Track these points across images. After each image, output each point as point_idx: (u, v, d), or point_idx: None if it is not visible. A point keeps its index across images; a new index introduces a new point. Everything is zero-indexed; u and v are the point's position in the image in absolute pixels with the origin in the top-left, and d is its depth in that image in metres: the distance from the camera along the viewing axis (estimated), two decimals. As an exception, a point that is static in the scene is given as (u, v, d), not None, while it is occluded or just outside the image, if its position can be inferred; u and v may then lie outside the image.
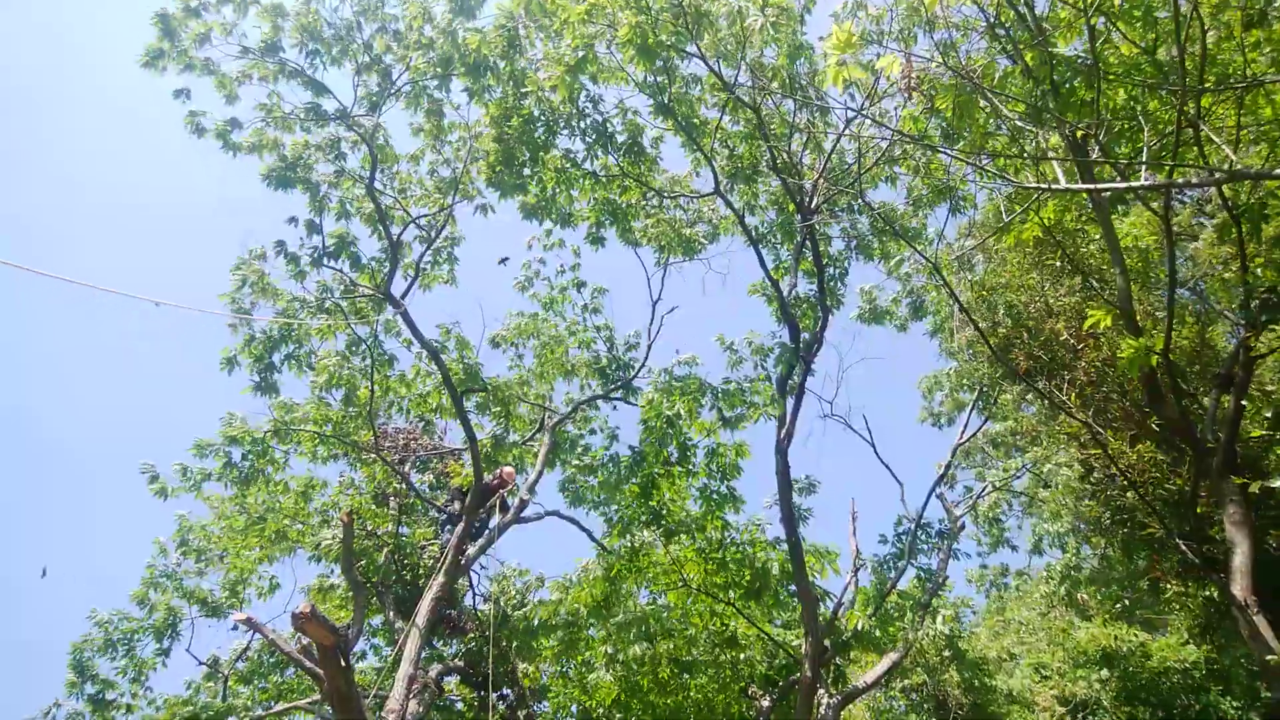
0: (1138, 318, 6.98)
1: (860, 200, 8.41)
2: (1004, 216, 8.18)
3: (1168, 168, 5.79)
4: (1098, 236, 9.00)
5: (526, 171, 8.57)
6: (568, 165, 8.72)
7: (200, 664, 9.75)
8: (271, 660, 10.31)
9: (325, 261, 8.57)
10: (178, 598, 9.68)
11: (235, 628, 9.43)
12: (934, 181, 8.92)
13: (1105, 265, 9.07)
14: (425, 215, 8.53)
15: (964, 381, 11.87)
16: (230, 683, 9.77)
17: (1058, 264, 9.33)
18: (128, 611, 9.69)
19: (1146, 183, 5.72)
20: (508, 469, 9.06)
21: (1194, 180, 5.83)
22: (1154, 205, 7.10)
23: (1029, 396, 13.90)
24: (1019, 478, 14.22)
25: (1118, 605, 14.51)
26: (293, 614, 5.02)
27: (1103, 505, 10.03)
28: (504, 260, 9.80)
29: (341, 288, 8.86)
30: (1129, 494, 9.24)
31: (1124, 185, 5.86)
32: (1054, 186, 5.70)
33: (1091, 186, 6.03)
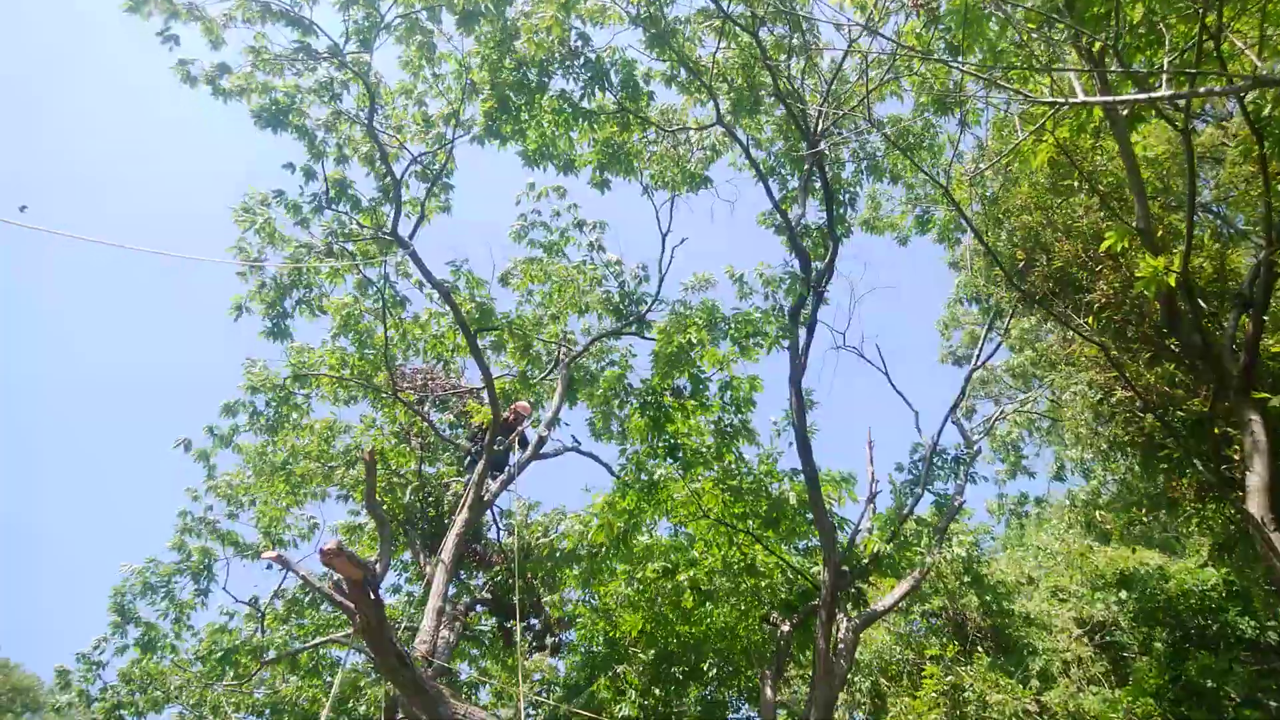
0: (1156, 238, 6.88)
1: (867, 118, 8.23)
2: (1017, 136, 8.02)
3: (1188, 78, 5.63)
4: (1115, 155, 8.80)
5: (524, 117, 8.48)
6: (565, 107, 8.62)
7: (238, 602, 10.15)
8: (307, 598, 10.69)
9: (326, 207, 8.57)
10: (212, 540, 10.02)
11: (269, 566, 9.78)
12: (941, 95, 8.71)
13: (1123, 184, 8.89)
14: (425, 153, 8.45)
15: (975, 297, 11.75)
16: (268, 620, 10.16)
17: (1074, 184, 9.15)
18: (161, 559, 10.04)
19: (1166, 94, 5.56)
20: (522, 403, 9.17)
21: (1215, 90, 5.66)
22: (1174, 119, 6.91)
23: (1046, 324, 13.79)
24: (1038, 403, 14.19)
25: (1136, 528, 14.60)
26: (321, 550, 5.09)
27: (1121, 428, 10.02)
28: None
29: (345, 231, 8.85)
30: (1147, 417, 9.22)
31: (1143, 97, 5.71)
32: (1070, 100, 5.58)
33: (1109, 100, 5.89)
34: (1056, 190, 9.51)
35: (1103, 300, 8.78)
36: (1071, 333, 10.82)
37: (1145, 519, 14.27)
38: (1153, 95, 5.46)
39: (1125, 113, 6.79)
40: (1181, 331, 6.94)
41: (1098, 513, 13.35)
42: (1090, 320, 8.72)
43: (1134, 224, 6.68)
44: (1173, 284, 5.96)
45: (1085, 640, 13.16)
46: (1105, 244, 6.83)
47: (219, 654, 9.94)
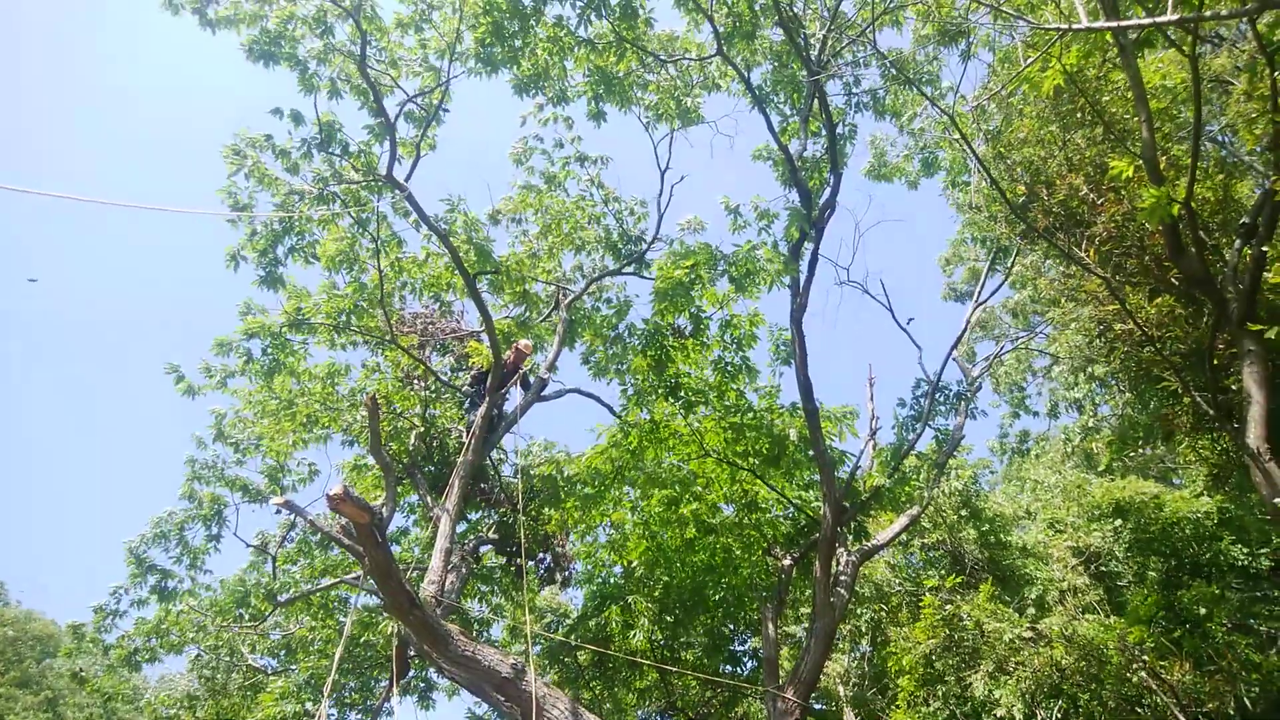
0: (1161, 168, 6.78)
1: (870, 46, 8.03)
2: (1022, 63, 7.84)
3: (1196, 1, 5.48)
4: (1121, 87, 8.63)
5: (518, 44, 8.28)
6: (560, 33, 8.41)
7: (249, 546, 10.32)
8: (316, 540, 10.87)
9: (317, 150, 8.41)
10: (220, 487, 10.13)
11: (277, 511, 9.89)
12: (945, 23, 8.51)
13: (1129, 114, 8.74)
14: (420, 94, 8.26)
15: (979, 236, 11.68)
16: (278, 562, 10.35)
17: (1079, 114, 9.01)
18: (173, 508, 10.16)
19: (1173, 18, 5.42)
20: (523, 342, 9.16)
21: (1224, 13, 5.51)
22: (1181, 45, 6.74)
23: (1047, 262, 13.72)
24: (1039, 337, 14.22)
25: (1132, 459, 14.77)
26: (327, 495, 5.14)
27: (1120, 361, 10.07)
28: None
29: (336, 175, 8.71)
30: (1146, 349, 9.25)
31: (1149, 21, 5.57)
32: (1076, 26, 5.44)
33: (1115, 24, 5.74)
34: (1061, 122, 9.36)
35: (1105, 233, 8.73)
36: (1072, 268, 10.78)
37: (1142, 450, 14.44)
38: (1159, 20, 5.32)
39: (1133, 37, 6.64)
40: (1183, 262, 6.90)
41: (1095, 444, 13.49)
42: (1092, 254, 8.68)
43: (1139, 154, 6.58)
44: (1176, 214, 5.91)
45: (1081, 570, 13.43)
46: (1112, 172, 6.75)
47: (234, 597, 10.15)
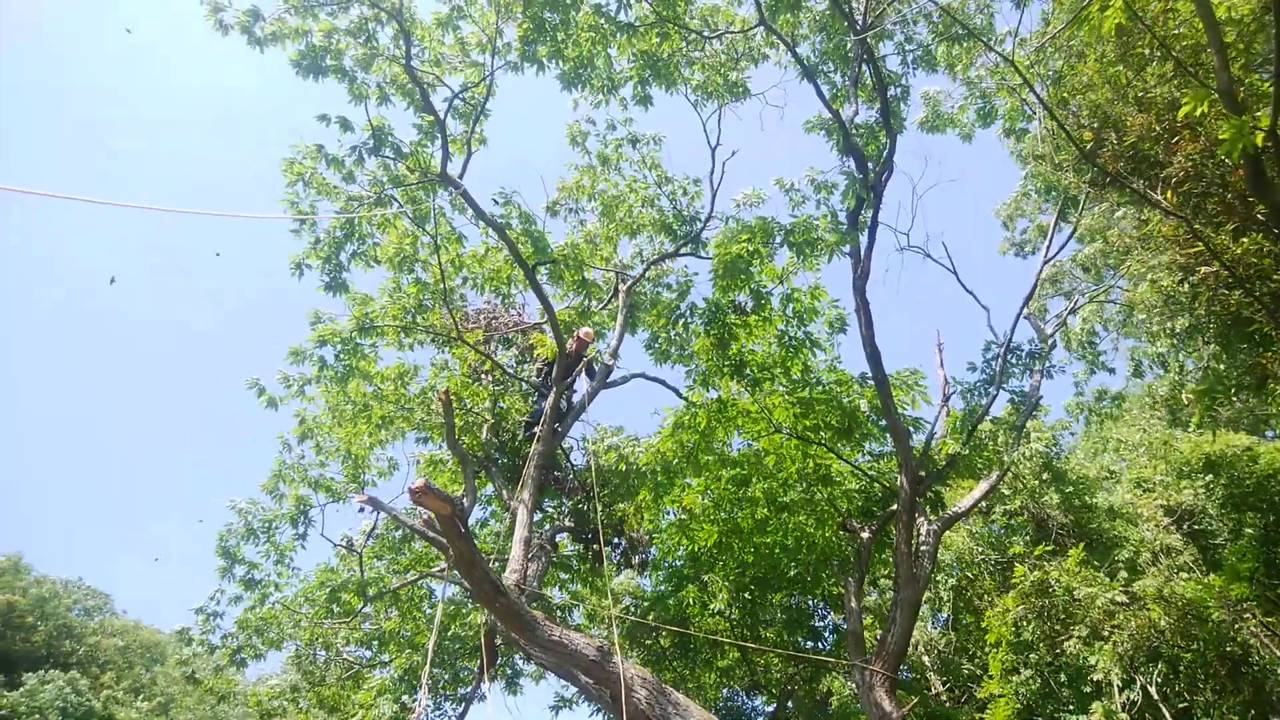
0: (1239, 100, 6.43)
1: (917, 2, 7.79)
2: (1080, 5, 7.52)
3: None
4: (1189, 17, 8.21)
5: (560, 37, 8.29)
6: (601, 21, 8.39)
7: (335, 545, 10.67)
8: (398, 535, 11.17)
9: (369, 155, 8.58)
10: (305, 487, 10.50)
11: (361, 509, 10.20)
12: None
13: (1199, 48, 8.31)
14: (465, 89, 8.35)
15: (1044, 187, 11.25)
16: (365, 558, 10.68)
17: (1145, 53, 8.59)
18: (260, 501, 10.60)
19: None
20: (584, 330, 9.22)
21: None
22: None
23: (1119, 212, 13.15)
24: (1114, 289, 13.67)
25: (1223, 411, 14.15)
26: (410, 489, 5.19)
27: (1204, 307, 9.62)
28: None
29: (393, 178, 8.87)
30: (1234, 293, 8.82)
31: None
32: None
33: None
34: (1126, 62, 8.95)
35: (1181, 173, 8.32)
36: (1146, 214, 10.32)
37: (1232, 401, 13.80)
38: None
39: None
40: (1268, 195, 6.54)
41: (1184, 395, 12.91)
42: (1169, 196, 8.29)
43: (1214, 87, 6.25)
44: (1259, 144, 5.60)
45: (1172, 529, 12.96)
46: (1184, 110, 6.44)
47: (325, 593, 10.53)
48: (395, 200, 8.91)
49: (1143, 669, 10.25)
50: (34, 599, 33.58)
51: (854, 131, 8.24)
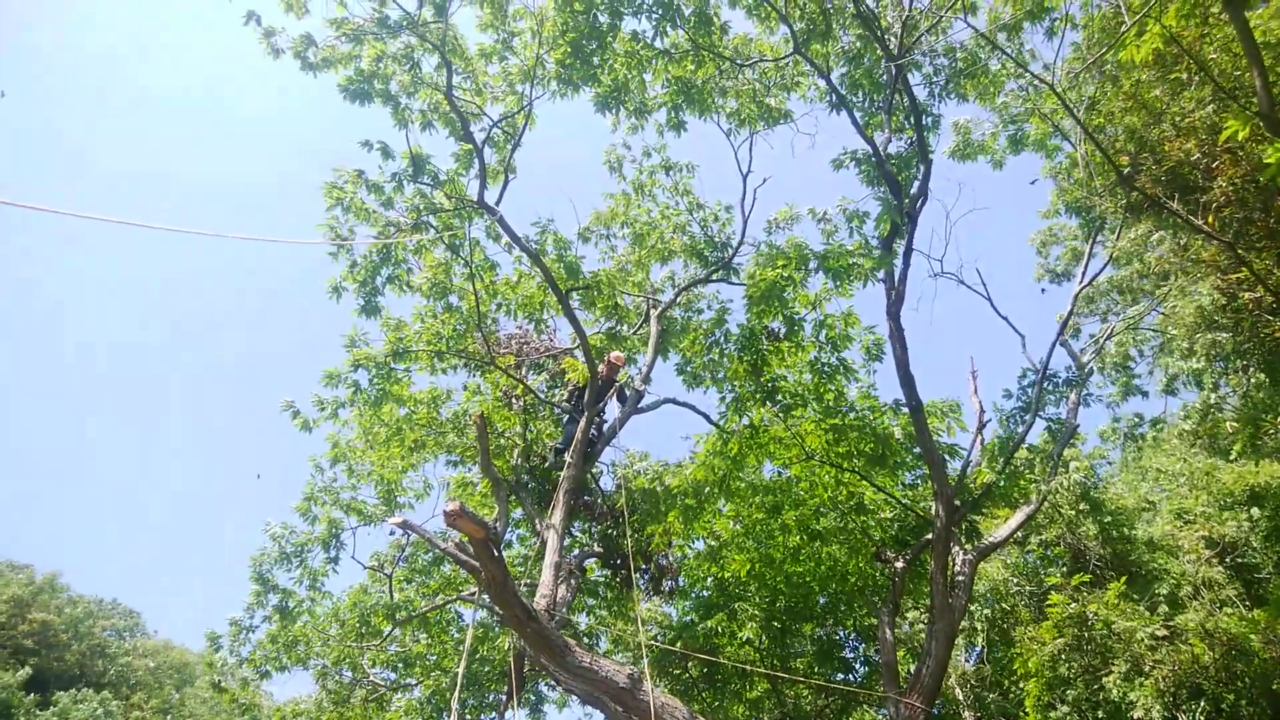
0: (1282, 122, 6.34)
1: (951, 27, 7.79)
2: (1120, 24, 7.49)
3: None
4: (1228, 41, 8.13)
5: (595, 61, 8.41)
6: (637, 47, 8.50)
7: (365, 568, 10.73)
8: (428, 558, 11.21)
9: (408, 182, 8.74)
10: (337, 510, 10.59)
11: (392, 532, 10.26)
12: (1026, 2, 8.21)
13: (1239, 71, 8.23)
14: (505, 118, 8.50)
15: (1077, 208, 11.13)
16: (394, 582, 10.73)
17: (1183, 77, 8.52)
18: (293, 525, 10.70)
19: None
20: (615, 354, 9.24)
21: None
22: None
23: (1156, 233, 12.96)
24: (1151, 314, 13.44)
25: (1266, 440, 13.80)
26: (445, 512, 5.21)
27: (1247, 333, 9.43)
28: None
29: (430, 204, 9.02)
30: (1279, 319, 8.64)
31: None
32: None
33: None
34: (1163, 86, 8.88)
35: (1223, 198, 8.21)
36: (1186, 239, 10.17)
37: (1275, 430, 13.47)
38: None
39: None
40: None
41: (1228, 425, 12.61)
42: (1210, 220, 8.17)
43: (1255, 111, 6.17)
44: (1305, 169, 5.51)
45: (1215, 562, 12.60)
46: (1225, 135, 6.36)
47: (356, 615, 10.58)
48: (431, 226, 9.06)
49: (1185, 707, 9.93)
50: (68, 619, 34.02)
51: (887, 159, 8.23)
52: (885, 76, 8.62)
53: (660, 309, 9.91)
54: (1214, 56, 8.62)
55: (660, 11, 8.04)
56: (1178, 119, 8.62)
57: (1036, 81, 8.36)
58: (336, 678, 11.36)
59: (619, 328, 10.16)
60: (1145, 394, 15.87)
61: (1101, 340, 12.78)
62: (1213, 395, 14.59)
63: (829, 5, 8.57)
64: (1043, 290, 18.07)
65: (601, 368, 9.00)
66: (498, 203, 8.10)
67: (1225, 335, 10.20)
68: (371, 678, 11.39)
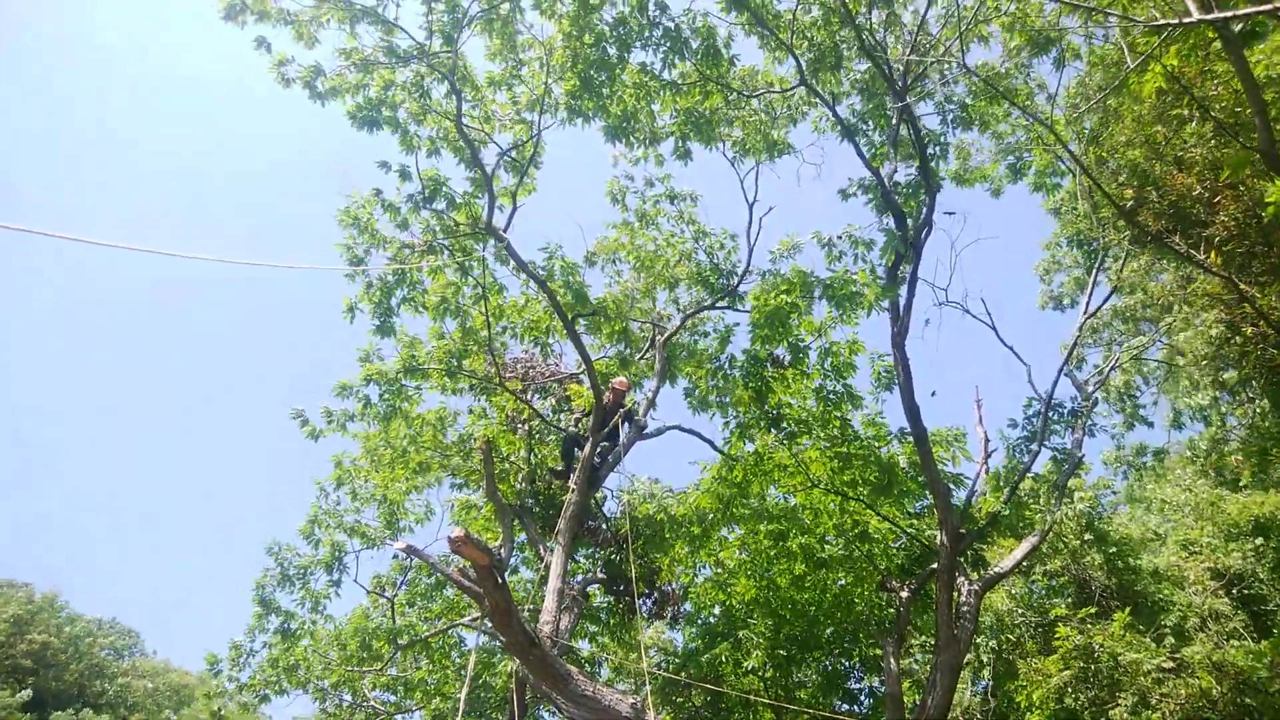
0: (1283, 160, 6.41)
1: (961, 62, 7.89)
2: (1120, 68, 7.60)
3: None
4: (1227, 78, 8.23)
5: (605, 92, 8.53)
6: (645, 79, 8.63)
7: (368, 592, 10.72)
8: (429, 582, 11.18)
9: (423, 206, 8.85)
10: (341, 533, 10.60)
11: (396, 556, 10.26)
12: (1037, 31, 8.33)
13: (1239, 108, 8.32)
14: (514, 146, 8.63)
15: (1079, 241, 11.18)
16: (396, 607, 10.70)
17: (1184, 113, 8.62)
18: (296, 546, 10.70)
19: (1289, 2, 5.16)
20: (619, 380, 9.29)
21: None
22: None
23: (1159, 263, 13.01)
24: (1154, 347, 13.46)
25: (1272, 472, 13.76)
26: (449, 538, 5.19)
27: (1251, 367, 9.46)
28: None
29: (443, 227, 9.14)
30: (1281, 352, 8.69)
31: (1260, 9, 5.34)
32: (1180, 21, 5.26)
33: (1221, 16, 5.51)
34: (1165, 122, 8.98)
35: (1224, 233, 8.28)
36: (1189, 271, 10.22)
37: (1280, 460, 13.45)
38: (1272, 5, 5.09)
39: (1238, 29, 6.36)
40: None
41: (1232, 457, 12.59)
42: (1213, 255, 8.23)
43: (1255, 148, 6.25)
44: (1304, 205, 5.58)
45: (1221, 593, 12.52)
46: (1225, 173, 6.44)
47: (357, 640, 10.55)
48: (445, 249, 9.18)
49: (1194, 741, 9.84)
50: (67, 638, 33.85)
51: (893, 189, 8.32)
52: (892, 111, 8.74)
53: (666, 335, 9.98)
54: (1215, 92, 8.74)
55: (668, 44, 8.16)
56: (1178, 153, 8.72)
57: (1040, 122, 8.44)
58: (336, 701, 11.30)
59: (625, 352, 10.22)
60: (1150, 424, 15.85)
61: (1106, 370, 12.79)
62: (1219, 431, 14.59)
63: (837, 38, 8.71)
64: (1061, 309, 18.06)
65: (607, 394, 9.05)
66: (506, 229, 8.19)
67: (1231, 372, 10.23)
68: (371, 701, 11.33)
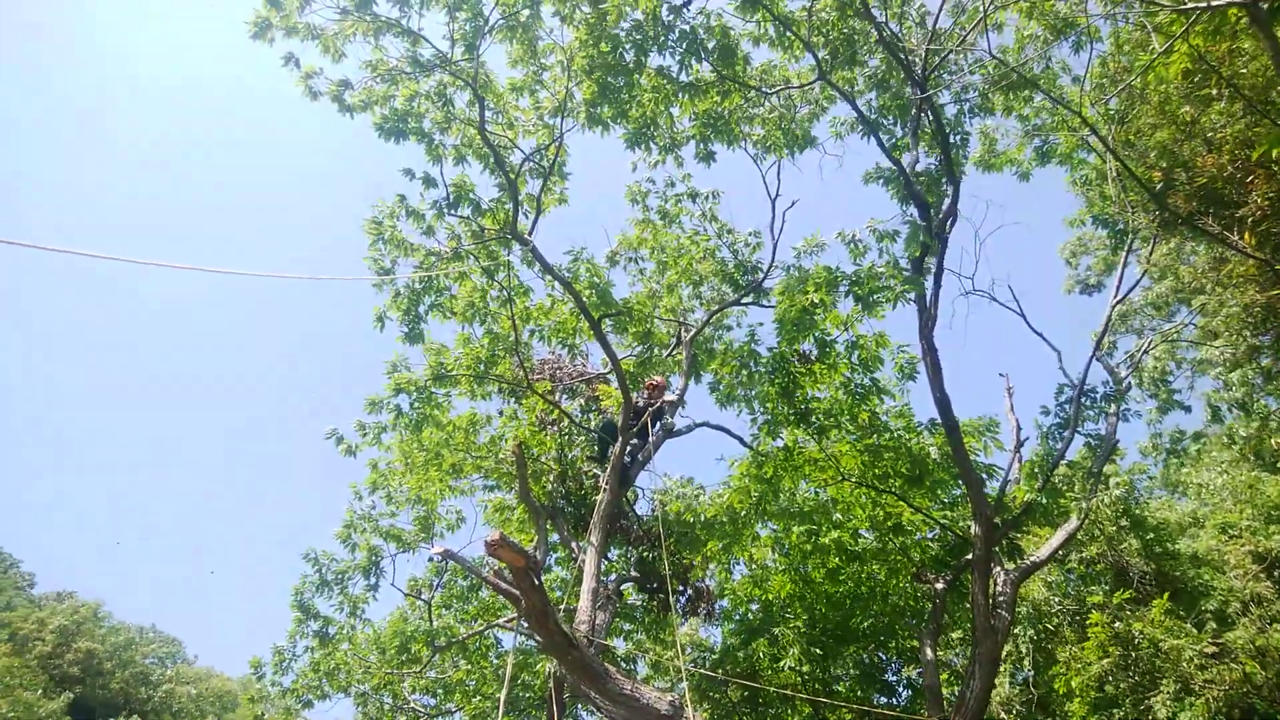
0: (1316, 136, 6.30)
1: (975, 52, 7.84)
2: (1145, 50, 7.50)
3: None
4: (1250, 52, 8.08)
5: (624, 99, 8.57)
6: (663, 83, 8.65)
7: (405, 595, 10.87)
8: (465, 584, 11.31)
9: (449, 212, 8.96)
10: (377, 538, 10.76)
11: (430, 559, 10.39)
12: (1059, 16, 8.24)
13: (1269, 86, 8.17)
14: (537, 150, 8.70)
15: (1105, 221, 11.02)
16: (433, 609, 10.84)
17: (1212, 93, 8.48)
18: (333, 552, 10.89)
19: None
20: (655, 379, 9.33)
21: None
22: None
23: (1190, 246, 12.82)
24: (1188, 327, 13.24)
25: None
26: (486, 541, 5.22)
27: (1289, 349, 9.30)
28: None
29: (469, 233, 9.24)
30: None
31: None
32: (1214, 4, 5.20)
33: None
34: (1192, 101, 8.84)
35: (1258, 213, 8.14)
36: (1222, 253, 10.06)
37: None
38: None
39: (1266, 5, 6.26)
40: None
41: (1272, 440, 12.37)
42: (1246, 236, 8.10)
43: (1290, 125, 6.16)
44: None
45: (1263, 577, 12.33)
46: (1257, 151, 6.34)
47: (396, 643, 10.70)
48: (472, 254, 9.28)
49: (1239, 728, 9.71)
50: (111, 646, 34.59)
51: (915, 179, 8.27)
52: (911, 100, 8.69)
53: (692, 333, 10.00)
54: (1244, 70, 8.60)
55: (684, 46, 8.18)
56: (1208, 134, 8.59)
57: (1065, 106, 8.35)
58: (377, 704, 11.46)
59: (654, 349, 10.27)
60: (1188, 409, 15.60)
61: (1139, 355, 12.62)
62: (1259, 418, 14.36)
63: (853, 32, 8.67)
64: (1088, 292, 17.80)
65: (643, 392, 9.12)
66: (531, 232, 8.27)
67: (1267, 359, 10.04)
68: (412, 704, 11.48)
